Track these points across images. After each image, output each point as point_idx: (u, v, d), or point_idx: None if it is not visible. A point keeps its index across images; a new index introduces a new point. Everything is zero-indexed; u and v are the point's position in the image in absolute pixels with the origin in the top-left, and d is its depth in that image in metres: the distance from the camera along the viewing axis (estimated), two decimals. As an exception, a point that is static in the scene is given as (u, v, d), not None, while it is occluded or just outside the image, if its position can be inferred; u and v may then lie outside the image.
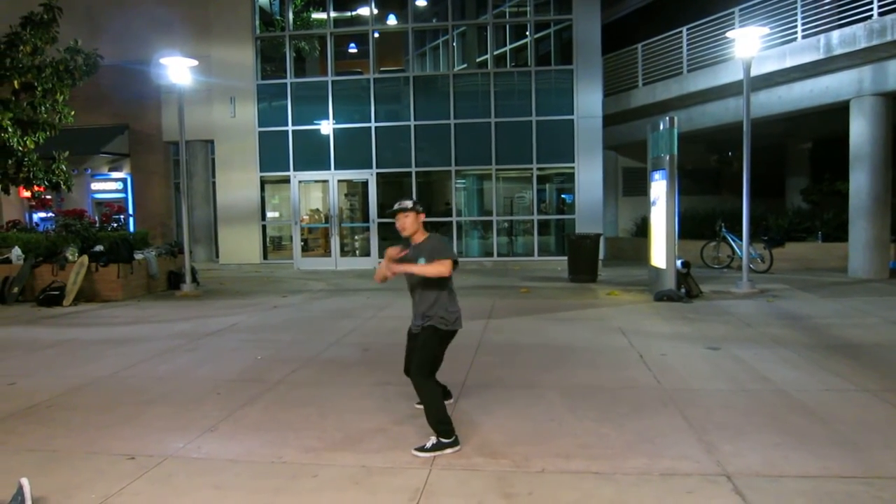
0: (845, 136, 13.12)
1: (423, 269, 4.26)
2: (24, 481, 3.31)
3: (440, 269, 4.24)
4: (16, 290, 11.09)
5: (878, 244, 12.77)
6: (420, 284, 4.39)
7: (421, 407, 4.29)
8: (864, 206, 12.76)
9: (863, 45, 11.78)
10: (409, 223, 4.43)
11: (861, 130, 12.65)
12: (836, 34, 12.30)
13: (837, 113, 13.43)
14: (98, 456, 4.08)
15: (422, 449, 4.04)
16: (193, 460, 4.01)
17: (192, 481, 3.70)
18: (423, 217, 4.49)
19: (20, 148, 12.34)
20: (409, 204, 4.44)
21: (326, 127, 17.29)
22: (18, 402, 5.24)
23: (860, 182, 12.79)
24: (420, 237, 4.46)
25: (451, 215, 17.07)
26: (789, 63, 13.20)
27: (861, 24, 11.84)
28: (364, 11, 17.94)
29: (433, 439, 4.07)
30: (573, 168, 16.67)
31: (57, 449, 4.21)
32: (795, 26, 13.21)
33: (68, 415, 4.93)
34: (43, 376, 6.14)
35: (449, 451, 4.02)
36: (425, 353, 4.28)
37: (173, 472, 3.82)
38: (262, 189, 17.94)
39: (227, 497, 3.50)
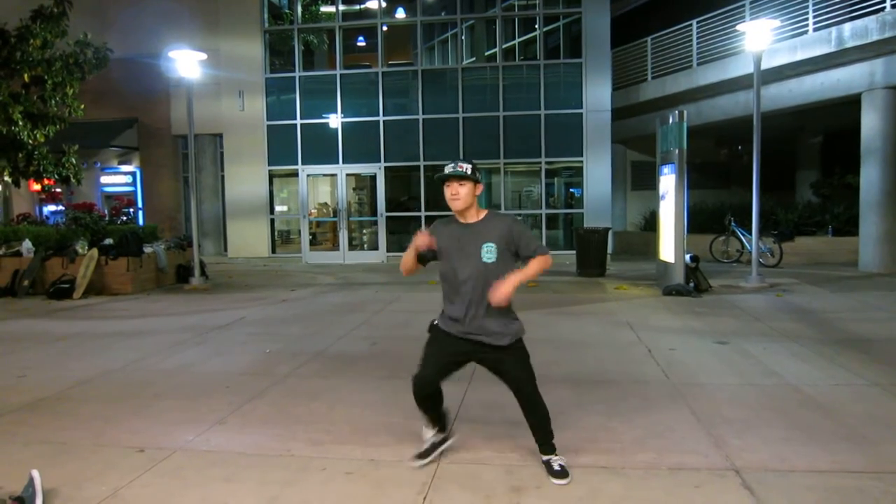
0: (856, 130, 13.02)
1: (527, 273, 3.43)
2: (35, 473, 3.33)
3: (544, 264, 3.46)
4: (26, 282, 11.15)
5: (890, 238, 12.69)
6: (486, 278, 3.45)
7: None
8: (874, 200, 12.68)
9: (875, 37, 11.68)
10: (464, 193, 3.49)
11: (872, 124, 12.56)
12: (847, 27, 12.20)
13: (848, 106, 13.33)
14: (108, 448, 4.11)
15: (560, 475, 3.53)
16: (203, 453, 4.03)
17: (201, 474, 3.71)
18: (480, 189, 3.58)
19: (30, 141, 12.41)
20: (467, 168, 3.47)
21: (335, 121, 17.30)
22: (29, 394, 5.27)
23: (871, 176, 12.71)
24: (475, 215, 3.56)
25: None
26: (800, 56, 13.11)
27: (873, 17, 11.74)
28: (373, 5, 17.92)
29: (558, 460, 3.59)
30: (582, 162, 16.63)
31: (67, 441, 4.24)
32: (807, 19, 13.11)
33: (78, 407, 4.96)
34: (53, 369, 6.17)
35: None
36: (530, 368, 3.62)
37: (182, 465, 3.84)
38: (271, 183, 17.98)
39: (236, 489, 3.51)
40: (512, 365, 3.56)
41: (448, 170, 3.49)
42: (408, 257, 3.60)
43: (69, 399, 5.17)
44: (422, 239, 3.50)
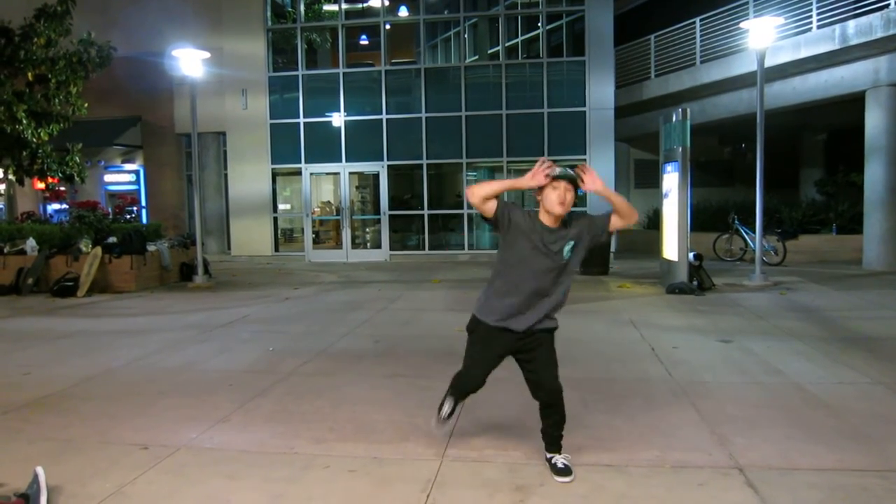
0: (861, 128, 13.00)
1: (620, 200, 3.40)
2: (40, 470, 3.34)
3: (634, 212, 3.42)
4: (31, 280, 11.18)
5: (894, 236, 12.67)
6: (561, 272, 3.46)
7: None
8: (879, 197, 12.65)
9: (879, 34, 11.65)
10: (570, 201, 3.31)
11: (877, 122, 12.53)
12: (852, 24, 12.16)
13: (853, 104, 13.30)
14: (112, 445, 4.11)
15: (564, 472, 3.52)
16: (206, 450, 4.03)
17: (204, 471, 3.72)
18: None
19: (34, 140, 12.44)
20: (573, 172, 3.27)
21: (338, 119, 17.31)
22: (33, 391, 5.28)
23: (875, 174, 12.68)
24: (559, 221, 3.40)
25: (462, 208, 17.04)
26: (804, 53, 13.08)
27: (878, 14, 11.71)
28: (375, 3, 17.92)
29: (562, 459, 3.58)
30: (585, 160, 16.60)
31: (71, 438, 4.25)
32: (811, 16, 13.08)
33: (82, 404, 4.97)
34: (57, 366, 6.19)
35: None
36: (555, 358, 3.63)
37: (186, 463, 3.84)
38: (274, 181, 18.00)
39: (239, 487, 3.52)
40: (545, 352, 3.59)
41: (558, 170, 3.26)
42: (493, 188, 3.33)
43: (73, 396, 5.18)
44: (539, 173, 3.27)
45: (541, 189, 3.34)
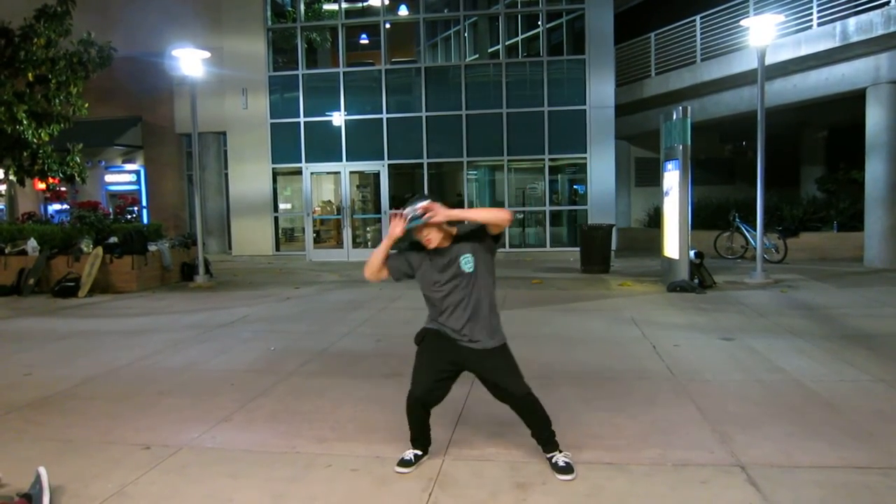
0: (861, 125, 12.99)
1: (479, 213, 3.49)
2: (42, 470, 3.34)
3: (502, 214, 3.40)
4: (32, 281, 11.19)
5: (895, 234, 12.64)
6: (476, 285, 3.51)
7: None
8: (880, 195, 12.64)
9: (880, 31, 11.63)
10: (435, 236, 3.45)
11: (878, 119, 12.52)
12: (852, 21, 12.15)
13: (853, 101, 13.29)
14: (114, 445, 4.12)
15: (566, 470, 3.54)
16: (208, 450, 4.04)
17: (206, 471, 3.72)
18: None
19: (35, 140, 12.45)
20: (429, 209, 3.35)
21: (338, 118, 17.31)
22: (35, 392, 5.29)
23: (876, 171, 12.67)
24: (447, 241, 3.50)
25: (462, 206, 17.04)
26: (805, 51, 13.07)
27: (878, 11, 11.70)
28: (375, 2, 17.92)
29: (563, 457, 3.59)
30: (585, 158, 16.61)
31: (73, 438, 4.25)
32: (811, 14, 13.07)
33: (84, 405, 4.98)
34: (59, 367, 6.19)
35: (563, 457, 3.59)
36: (515, 367, 3.63)
37: (188, 462, 3.85)
38: (275, 181, 18.01)
39: (241, 486, 3.52)
40: (498, 358, 3.60)
41: (409, 217, 3.36)
42: (377, 258, 3.57)
43: (75, 397, 5.19)
44: (397, 225, 3.43)
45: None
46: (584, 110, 16.53)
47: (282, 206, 18.66)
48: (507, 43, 17.81)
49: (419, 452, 3.73)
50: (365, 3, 18.77)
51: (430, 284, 3.55)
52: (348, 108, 17.36)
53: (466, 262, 3.47)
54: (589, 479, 3.51)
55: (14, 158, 12.89)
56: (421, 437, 3.74)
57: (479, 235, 3.49)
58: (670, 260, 10.76)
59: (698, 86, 16.00)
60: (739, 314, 8.34)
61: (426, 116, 17.10)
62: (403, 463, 3.67)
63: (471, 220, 3.49)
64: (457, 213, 3.41)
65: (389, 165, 17.24)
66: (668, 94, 16.74)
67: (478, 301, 3.51)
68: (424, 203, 3.35)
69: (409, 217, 3.38)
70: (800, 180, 19.17)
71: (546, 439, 3.62)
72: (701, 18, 15.85)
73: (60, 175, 13.35)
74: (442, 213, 3.34)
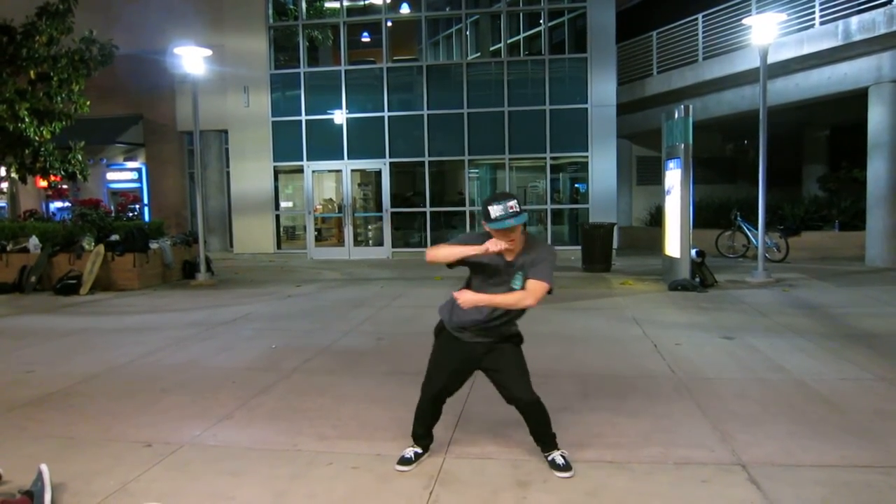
0: (863, 124, 12.97)
1: (503, 300, 3.38)
2: (44, 467, 3.35)
3: (529, 294, 3.32)
4: (33, 279, 11.20)
5: (897, 233, 12.64)
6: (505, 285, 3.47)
7: None
8: (882, 194, 12.62)
9: (882, 30, 11.62)
10: (518, 238, 3.36)
11: (880, 118, 12.50)
12: (854, 20, 12.14)
13: (856, 100, 13.27)
14: (115, 443, 4.13)
15: (565, 468, 3.55)
16: (209, 448, 4.04)
17: (208, 468, 3.73)
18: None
19: (37, 138, 12.45)
20: (516, 205, 3.26)
21: (340, 116, 17.30)
22: (37, 389, 5.29)
23: (878, 170, 12.65)
24: (520, 246, 3.42)
25: (464, 205, 17.05)
26: (807, 50, 13.05)
27: (881, 10, 11.68)
28: (377, 0, 17.88)
29: (560, 455, 3.60)
30: (587, 157, 16.60)
31: (75, 436, 4.26)
32: (813, 12, 13.06)
33: (86, 402, 4.98)
34: (60, 364, 6.20)
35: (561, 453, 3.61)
36: (526, 371, 3.63)
37: (190, 460, 3.85)
38: (276, 179, 18.00)
39: (243, 484, 3.53)
40: (510, 359, 3.60)
41: (502, 217, 3.24)
42: (448, 254, 3.41)
43: (77, 394, 5.19)
44: (500, 245, 3.29)
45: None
46: (586, 109, 16.51)
47: (283, 204, 18.66)
48: (508, 41, 17.79)
49: (419, 451, 3.74)
50: (366, 1, 18.75)
51: (484, 279, 3.50)
52: (350, 106, 17.35)
53: (517, 281, 3.41)
54: (590, 478, 3.51)
55: (16, 156, 12.90)
56: (426, 435, 3.76)
57: (538, 261, 3.41)
58: (672, 259, 10.76)
59: (700, 84, 15.98)
60: (741, 313, 8.33)
61: (428, 115, 17.08)
62: (404, 461, 3.68)
63: (497, 305, 3.41)
64: (485, 299, 3.37)
65: (391, 163, 17.22)
66: (669, 92, 16.72)
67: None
68: (513, 202, 3.26)
69: (500, 217, 3.25)
70: (801, 179, 19.15)
71: (546, 439, 3.63)
72: (703, 17, 15.83)
73: (62, 173, 13.35)
74: (469, 299, 3.36)
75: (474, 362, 3.65)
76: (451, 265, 3.49)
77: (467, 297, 3.36)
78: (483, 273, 3.49)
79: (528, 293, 3.34)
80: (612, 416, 4.45)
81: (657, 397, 4.88)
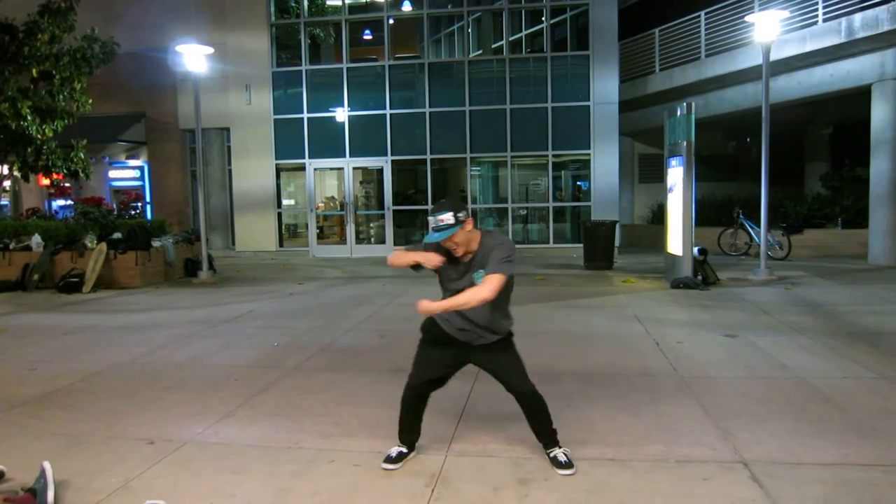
0: (866, 122, 12.93)
1: (456, 301, 3.40)
2: (47, 465, 3.36)
3: (487, 288, 3.35)
4: (36, 277, 11.22)
5: (900, 231, 12.61)
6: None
7: None
8: (884, 192, 12.59)
9: (886, 27, 11.58)
10: (461, 241, 3.45)
11: (883, 115, 12.46)
12: (858, 17, 12.10)
13: (858, 98, 13.23)
14: (118, 440, 4.14)
15: (567, 465, 3.56)
16: (211, 445, 4.05)
17: (210, 465, 3.74)
18: (470, 223, 3.46)
19: (39, 136, 12.46)
20: (449, 219, 3.37)
21: (341, 114, 17.30)
22: (40, 387, 5.31)
23: (881, 168, 12.62)
24: (475, 246, 3.52)
25: (466, 202, 17.04)
26: (810, 47, 13.01)
27: (884, 7, 11.63)
28: (379, -3, 17.87)
29: (562, 453, 3.61)
30: (589, 155, 16.59)
31: (78, 433, 4.27)
32: (816, 9, 13.02)
33: (88, 400, 5.00)
34: (63, 362, 6.21)
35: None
36: (519, 362, 3.69)
37: (192, 457, 3.86)
38: (278, 177, 18.01)
39: (245, 481, 3.53)
40: (499, 352, 3.65)
41: (432, 230, 3.39)
42: (404, 259, 3.55)
43: (79, 392, 5.21)
44: (435, 260, 3.46)
45: None
46: (588, 106, 16.49)
47: (285, 202, 18.67)
48: (510, 39, 17.76)
49: (404, 450, 3.73)
50: (368, -1, 18.76)
51: (445, 280, 3.62)
52: (352, 104, 17.35)
53: (478, 278, 3.47)
54: (592, 475, 3.51)
55: (18, 154, 12.91)
56: (410, 431, 3.75)
57: (493, 256, 3.47)
58: (674, 256, 10.75)
59: (702, 82, 15.95)
60: (743, 311, 8.32)
61: (430, 112, 17.07)
62: (389, 459, 3.68)
63: (455, 307, 3.44)
64: (443, 305, 3.42)
65: (393, 161, 17.22)
66: (672, 90, 16.69)
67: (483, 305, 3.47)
68: (446, 216, 3.37)
69: (431, 230, 3.43)
70: (804, 177, 19.10)
71: (546, 436, 3.64)
72: (705, 14, 15.79)
73: (64, 171, 13.36)
74: (427, 308, 3.40)
75: (461, 356, 3.68)
76: (414, 268, 3.58)
77: (424, 307, 3.41)
78: (444, 274, 3.60)
79: (481, 287, 3.38)
80: (614, 414, 4.46)
81: (659, 395, 4.88)
